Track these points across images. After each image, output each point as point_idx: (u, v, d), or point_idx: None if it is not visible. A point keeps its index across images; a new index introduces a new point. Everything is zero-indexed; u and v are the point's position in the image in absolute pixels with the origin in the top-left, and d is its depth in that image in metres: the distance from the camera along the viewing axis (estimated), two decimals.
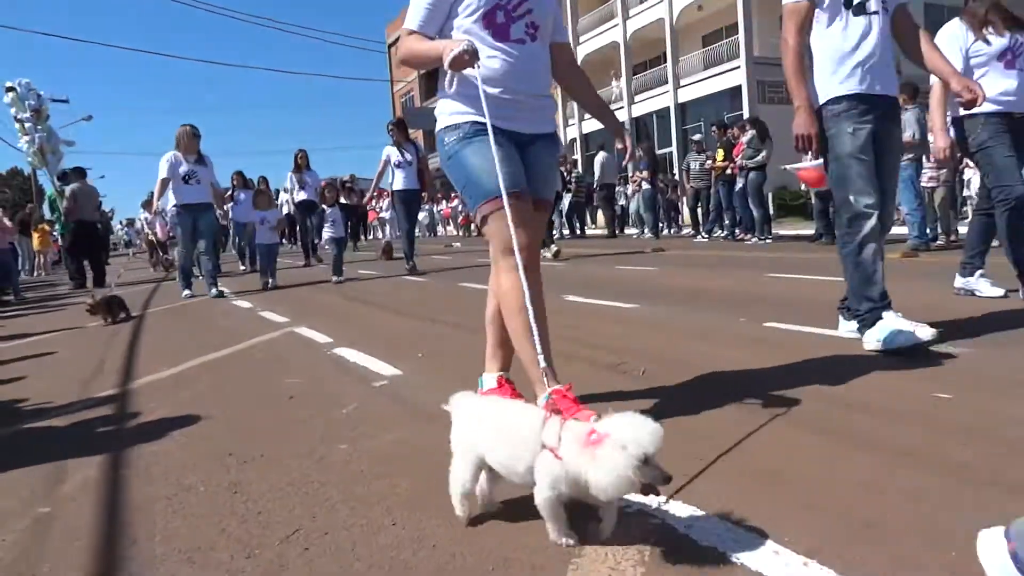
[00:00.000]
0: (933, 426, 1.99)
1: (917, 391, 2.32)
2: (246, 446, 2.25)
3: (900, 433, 1.96)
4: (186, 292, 7.36)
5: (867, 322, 2.88)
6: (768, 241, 10.07)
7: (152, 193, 14.12)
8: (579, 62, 14.31)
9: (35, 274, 16.74)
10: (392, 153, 8.37)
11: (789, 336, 3.33)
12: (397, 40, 44.40)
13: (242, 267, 11.71)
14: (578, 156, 27.09)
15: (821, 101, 2.96)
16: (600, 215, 17.54)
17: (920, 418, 2.07)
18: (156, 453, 2.27)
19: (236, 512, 1.74)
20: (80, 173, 11.79)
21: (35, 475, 2.16)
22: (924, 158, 7.07)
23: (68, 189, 10.92)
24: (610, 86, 27.50)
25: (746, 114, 20.42)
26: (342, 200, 13.27)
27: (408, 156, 8.29)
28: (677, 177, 21.14)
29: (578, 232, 16.56)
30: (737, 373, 2.71)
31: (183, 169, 6.98)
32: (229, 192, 11.85)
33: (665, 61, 24.45)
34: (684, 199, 14.73)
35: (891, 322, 2.80)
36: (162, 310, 6.68)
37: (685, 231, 15.17)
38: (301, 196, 11.46)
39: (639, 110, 25.81)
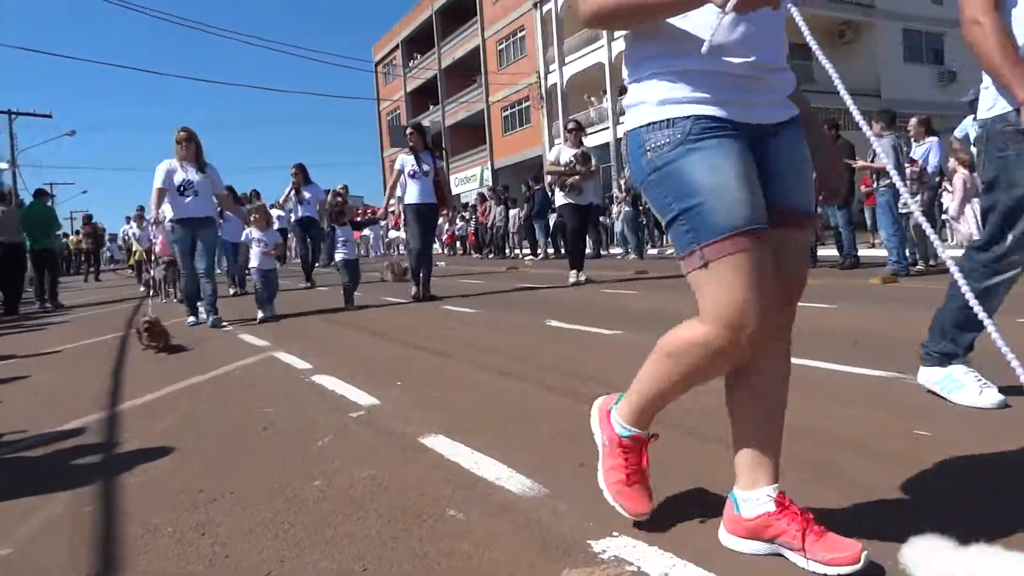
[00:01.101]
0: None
1: (896, 424, 2.32)
2: (217, 482, 2.21)
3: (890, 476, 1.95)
4: (191, 319, 6.53)
5: (934, 361, 2.57)
6: None
7: (141, 207, 13.71)
8: (565, 83, 14.43)
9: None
10: (407, 162, 7.41)
11: None
12: (384, 59, 44.54)
13: (232, 290, 10.48)
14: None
15: (995, 111, 2.33)
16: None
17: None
18: (125, 488, 2.22)
19: (203, 555, 1.70)
20: (41, 194, 11.95)
21: None
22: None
23: None
24: (589, 109, 27.75)
25: None
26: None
27: (425, 166, 7.35)
28: None
29: (562, 252, 16.59)
30: (710, 407, 2.69)
31: (179, 178, 6.11)
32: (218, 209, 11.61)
33: None
34: None
35: (961, 374, 2.51)
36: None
37: (670, 251, 15.25)
38: (300, 212, 10.73)
39: (624, 130, 25.99)
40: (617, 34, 25.18)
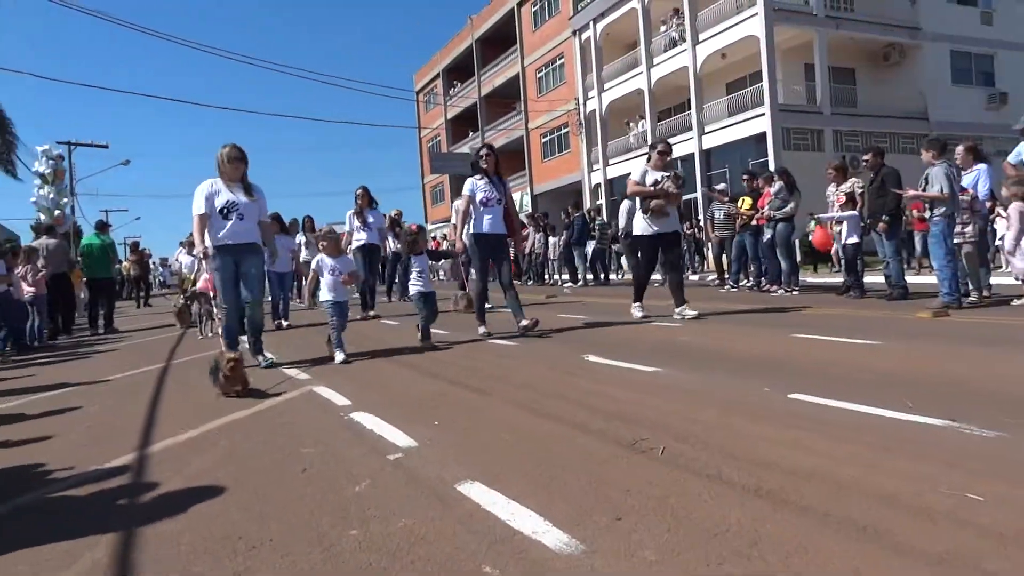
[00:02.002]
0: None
1: (948, 483, 2.22)
2: (256, 528, 2.22)
3: (934, 537, 1.87)
4: (265, 358, 5.83)
5: None
6: (795, 292, 9.94)
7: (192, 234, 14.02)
8: (603, 109, 14.49)
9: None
10: (479, 187, 6.66)
11: (815, 411, 3.24)
12: (425, 87, 45.14)
13: (276, 322, 9.57)
14: (602, 202, 27.21)
15: None
16: (623, 261, 17.50)
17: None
18: (168, 533, 2.25)
19: None
20: (102, 227, 12.60)
21: (43, 555, 2.15)
22: (955, 214, 6.98)
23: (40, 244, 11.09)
24: (628, 134, 27.73)
25: (771, 160, 20.44)
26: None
27: (498, 193, 6.68)
28: (701, 223, 21.17)
29: (602, 278, 16.53)
30: (756, 457, 2.62)
31: (221, 200, 5.47)
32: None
33: (689, 108, 24.62)
34: (709, 246, 14.69)
35: None
36: (187, 361, 6.72)
37: (710, 277, 15.06)
38: (362, 239, 9.86)
39: None
40: (656, 60, 25.31)
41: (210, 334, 8.38)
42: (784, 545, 1.85)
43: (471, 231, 6.70)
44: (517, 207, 36.40)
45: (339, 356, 5.76)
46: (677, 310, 7.17)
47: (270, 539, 2.13)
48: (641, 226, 7.26)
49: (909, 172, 8.43)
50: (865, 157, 8.51)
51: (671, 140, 24.95)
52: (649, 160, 7.47)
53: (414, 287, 6.48)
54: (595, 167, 29.50)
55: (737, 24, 22.34)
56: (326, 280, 5.94)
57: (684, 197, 23.37)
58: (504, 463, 2.73)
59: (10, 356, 8.42)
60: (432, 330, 6.53)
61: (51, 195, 21.25)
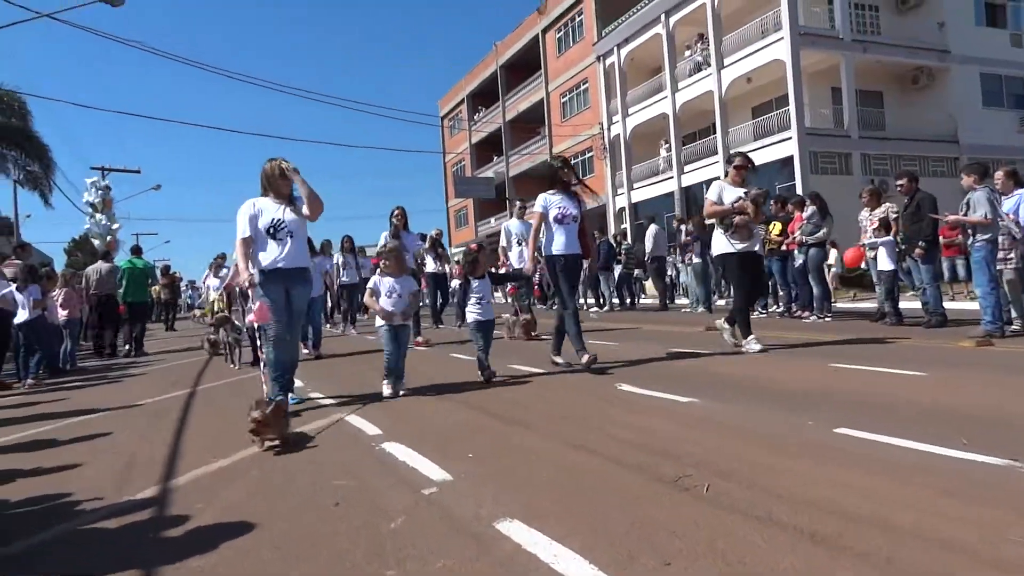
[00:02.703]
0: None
1: (1020, 530, 2.10)
2: (291, 567, 2.16)
3: None
4: (289, 397, 4.93)
5: None
6: (828, 319, 9.74)
7: (222, 255, 12.45)
8: (628, 134, 14.11)
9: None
10: (552, 203, 5.99)
11: (863, 447, 3.11)
12: (449, 112, 45.57)
13: (309, 352, 8.70)
14: (627, 226, 27.11)
15: None
16: (649, 285, 17.36)
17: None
18: (199, 570, 2.20)
19: None
20: (137, 251, 13.18)
21: None
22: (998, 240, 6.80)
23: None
24: (658, 157, 27.69)
25: (799, 184, 20.24)
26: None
27: (574, 209, 5.99)
28: None
29: (628, 303, 16.39)
30: (807, 497, 2.51)
31: (266, 220, 4.81)
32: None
33: (715, 132, 24.54)
34: None
35: None
36: (216, 386, 6.72)
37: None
38: None
39: (688, 180, 25.82)
40: (681, 85, 25.31)
41: (235, 365, 8.17)
42: None
43: (545, 252, 6.03)
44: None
45: (386, 389, 5.21)
46: (744, 342, 6.53)
47: None
48: (724, 244, 6.59)
49: (940, 196, 8.26)
50: (899, 182, 8.35)
51: (696, 165, 25.11)
52: (726, 176, 6.89)
53: (471, 314, 5.78)
54: (619, 191, 29.45)
55: (763, 48, 22.28)
56: (383, 303, 5.31)
57: (708, 222, 23.45)
58: (543, 499, 2.64)
59: (43, 379, 8.50)
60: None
61: (103, 221, 23.66)
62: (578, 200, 6.10)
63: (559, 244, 5.94)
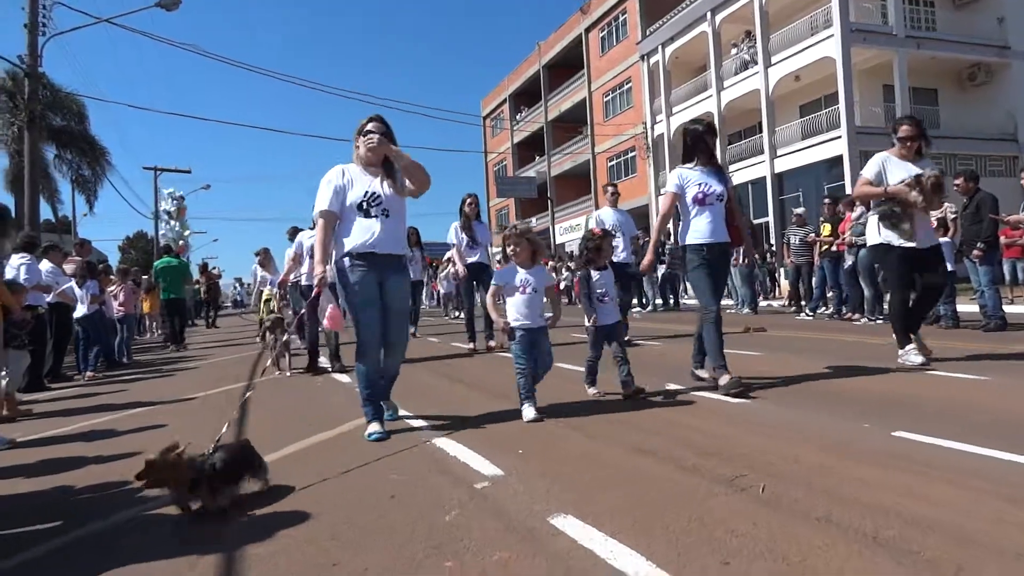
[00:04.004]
0: None
1: None
2: (350, 555, 2.20)
3: None
4: (375, 431, 3.87)
5: None
6: (879, 321, 9.50)
7: (263, 251, 11.31)
8: (671, 133, 13.25)
9: (148, 335, 17.59)
10: (691, 180, 4.82)
11: (924, 451, 3.03)
12: (492, 112, 45.57)
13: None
14: (670, 226, 26.84)
15: None
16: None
17: None
18: (260, 557, 2.25)
19: None
20: (168, 250, 14.32)
21: (146, 572, 2.18)
22: None
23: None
24: None
25: (847, 184, 19.78)
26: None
27: (719, 187, 4.81)
28: (774, 247, 20.62)
29: (671, 303, 16.24)
30: (867, 501, 2.46)
31: (356, 192, 3.85)
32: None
33: (760, 131, 24.14)
34: (782, 271, 14.28)
35: None
36: (269, 380, 6.85)
37: (779, 303, 14.61)
38: (472, 257, 8.16)
39: (735, 179, 25.39)
40: (727, 83, 24.95)
41: (288, 373, 7.23)
42: None
43: (685, 240, 4.85)
44: (583, 231, 35.88)
45: (529, 412, 4.09)
46: (900, 352, 5.43)
47: (365, 568, 2.10)
48: (882, 234, 5.34)
49: (999, 197, 7.99)
50: (957, 182, 8.10)
51: (741, 164, 24.72)
52: (895, 147, 5.36)
53: (601, 313, 4.71)
54: (663, 191, 29.17)
55: (812, 46, 21.85)
56: (518, 299, 4.28)
57: (754, 221, 23.05)
58: (595, 495, 2.63)
59: (101, 371, 8.80)
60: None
61: (176, 228, 27.29)
62: (723, 174, 4.92)
63: (702, 230, 4.77)
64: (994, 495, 2.43)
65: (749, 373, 5.07)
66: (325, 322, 4.07)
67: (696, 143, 4.87)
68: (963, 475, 2.67)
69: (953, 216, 8.40)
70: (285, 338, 7.35)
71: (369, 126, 3.93)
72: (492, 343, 8.27)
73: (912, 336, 5.44)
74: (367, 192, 3.86)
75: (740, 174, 25.09)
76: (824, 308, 11.38)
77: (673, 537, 2.19)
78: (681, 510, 2.42)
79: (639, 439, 3.51)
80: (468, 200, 8.24)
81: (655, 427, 3.77)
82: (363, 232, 3.83)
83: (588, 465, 3.10)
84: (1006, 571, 1.86)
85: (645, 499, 2.58)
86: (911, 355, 5.31)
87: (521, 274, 4.33)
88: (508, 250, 4.51)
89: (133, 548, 2.43)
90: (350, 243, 3.84)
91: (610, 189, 8.69)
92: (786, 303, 13.70)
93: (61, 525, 2.75)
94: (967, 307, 9.28)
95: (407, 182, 3.96)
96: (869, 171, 5.31)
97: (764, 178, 23.98)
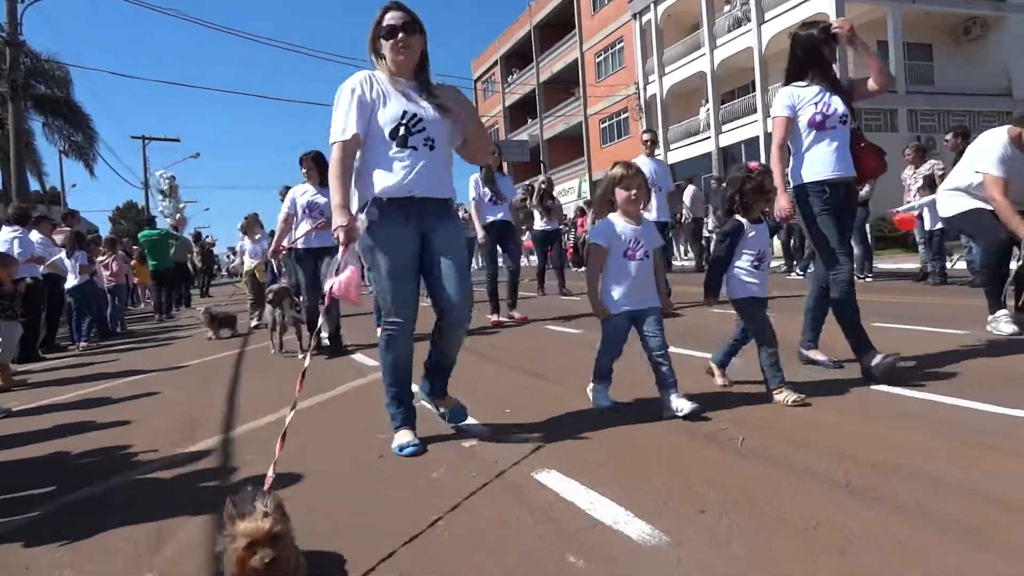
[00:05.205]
0: None
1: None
2: (343, 515, 2.27)
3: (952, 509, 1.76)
4: (405, 445, 2.89)
5: None
6: (870, 279, 9.57)
7: (251, 216, 10.01)
8: (664, 93, 12.63)
9: (141, 305, 17.61)
10: (806, 98, 3.84)
11: (895, 401, 3.11)
12: (483, 75, 44.96)
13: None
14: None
15: None
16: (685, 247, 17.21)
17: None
18: None
19: None
20: (151, 222, 14.25)
21: (137, 534, 2.23)
22: None
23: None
24: (698, 115, 27.15)
25: None
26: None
27: (842, 107, 3.81)
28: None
29: (666, 265, 16.27)
30: (839, 448, 2.52)
31: (391, 112, 2.83)
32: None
33: (754, 90, 23.94)
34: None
35: None
36: (261, 347, 6.89)
37: (775, 263, 14.65)
38: (495, 216, 6.91)
39: (727, 140, 25.32)
40: (719, 42, 24.65)
41: (298, 355, 5.91)
42: (880, 544, 1.77)
43: (807, 179, 3.76)
44: (576, 194, 36.16)
45: (685, 406, 3.02)
46: (991, 317, 4.83)
47: (356, 526, 2.16)
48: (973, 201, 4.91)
49: None
50: (947, 137, 8.09)
51: (734, 124, 24.56)
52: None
53: (745, 285, 3.48)
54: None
55: (806, 2, 21.56)
56: (619, 270, 3.25)
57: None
58: (579, 452, 2.71)
59: (95, 341, 8.84)
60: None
61: (171, 204, 28.54)
62: (845, 92, 3.84)
63: (823, 163, 3.73)
64: (974, 445, 2.50)
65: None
66: (336, 289, 2.66)
67: (810, 54, 3.85)
68: (896, 413, 2.73)
69: (940, 173, 8.40)
70: (290, 315, 6.17)
71: (388, 19, 2.85)
72: (516, 313, 7.24)
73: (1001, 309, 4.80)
74: (405, 112, 2.82)
75: (733, 135, 24.96)
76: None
77: (651, 489, 2.26)
78: (659, 463, 2.49)
79: (612, 393, 3.55)
80: (493, 152, 6.85)
81: (630, 381, 3.75)
82: (400, 168, 2.81)
83: (568, 420, 3.15)
84: (976, 514, 1.92)
85: (624, 453, 2.64)
86: (1002, 323, 4.74)
87: (628, 230, 3.23)
88: (620, 194, 3.26)
89: (126, 509, 2.48)
90: (380, 183, 2.81)
91: (647, 136, 7.55)
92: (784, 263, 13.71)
93: (55, 490, 2.80)
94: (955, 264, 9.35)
95: (465, 140, 3.10)
96: (998, 168, 4.80)
97: (758, 138, 23.84)
